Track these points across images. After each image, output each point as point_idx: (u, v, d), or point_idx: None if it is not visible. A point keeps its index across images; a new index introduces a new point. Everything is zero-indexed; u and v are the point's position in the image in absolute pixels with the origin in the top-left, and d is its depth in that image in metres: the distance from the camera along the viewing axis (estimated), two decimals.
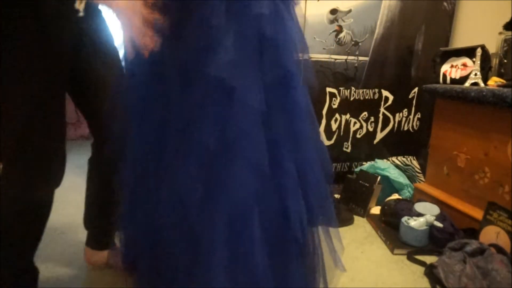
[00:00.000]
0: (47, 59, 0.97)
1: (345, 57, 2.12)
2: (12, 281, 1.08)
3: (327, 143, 2.16)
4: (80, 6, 1.02)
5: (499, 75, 1.67)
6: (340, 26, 2.07)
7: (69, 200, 1.60)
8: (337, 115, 2.17)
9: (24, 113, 0.97)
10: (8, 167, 1.00)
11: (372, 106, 2.22)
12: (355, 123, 2.21)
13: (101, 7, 0.99)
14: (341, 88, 2.15)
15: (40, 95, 0.98)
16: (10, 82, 0.95)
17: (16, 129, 0.97)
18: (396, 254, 1.58)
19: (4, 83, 0.95)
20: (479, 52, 1.68)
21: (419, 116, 2.29)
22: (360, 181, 2.04)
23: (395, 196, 2.02)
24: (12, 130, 0.97)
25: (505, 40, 1.65)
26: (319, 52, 2.05)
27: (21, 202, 1.03)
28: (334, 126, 2.18)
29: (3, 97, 0.95)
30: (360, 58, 2.14)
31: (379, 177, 2.00)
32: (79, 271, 1.38)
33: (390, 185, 2.08)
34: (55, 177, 1.08)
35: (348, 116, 2.19)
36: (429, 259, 1.51)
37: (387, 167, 2.10)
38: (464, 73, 1.74)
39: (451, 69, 1.82)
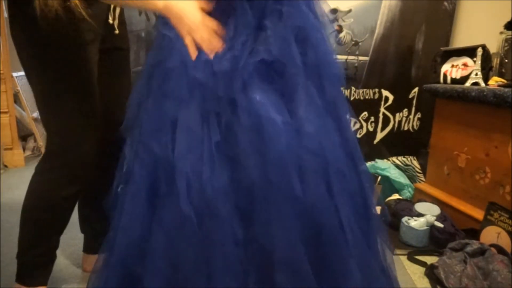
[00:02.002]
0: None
1: (345, 57, 2.12)
2: (36, 266, 1.13)
3: None
4: (115, 22, 1.09)
5: (500, 75, 1.66)
6: (340, 26, 2.07)
7: None
8: None
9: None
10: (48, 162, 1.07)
11: (372, 106, 2.21)
12: (355, 123, 2.20)
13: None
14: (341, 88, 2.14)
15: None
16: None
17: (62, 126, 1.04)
18: (396, 254, 1.57)
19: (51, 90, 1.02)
20: (479, 51, 1.68)
21: (419, 116, 2.29)
22: None
23: (395, 196, 2.01)
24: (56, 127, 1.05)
25: (506, 40, 1.65)
26: None
27: (56, 196, 1.08)
28: None
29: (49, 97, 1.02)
30: (360, 58, 2.14)
31: (379, 177, 2.00)
32: (79, 271, 1.38)
33: (390, 185, 2.08)
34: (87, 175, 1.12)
35: (348, 116, 2.18)
36: (430, 259, 1.51)
37: (387, 167, 2.10)
38: (465, 73, 1.74)
39: (451, 69, 1.81)
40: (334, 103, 0.91)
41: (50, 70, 1.00)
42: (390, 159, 2.22)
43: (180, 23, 0.78)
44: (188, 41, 0.78)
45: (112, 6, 1.09)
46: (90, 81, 1.04)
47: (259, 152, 0.75)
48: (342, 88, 1.00)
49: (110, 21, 1.09)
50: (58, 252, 1.17)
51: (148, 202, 0.81)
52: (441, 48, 1.93)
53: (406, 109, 2.27)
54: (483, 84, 1.65)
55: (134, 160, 0.85)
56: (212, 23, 0.79)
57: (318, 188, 0.78)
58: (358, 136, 2.23)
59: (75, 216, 1.28)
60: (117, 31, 1.12)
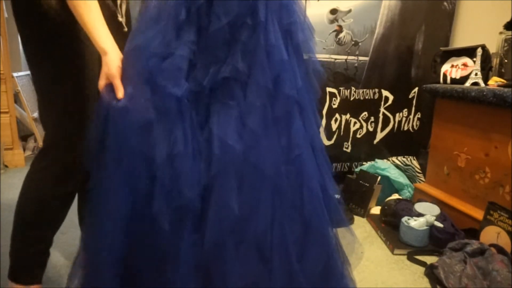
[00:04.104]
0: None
1: (345, 57, 2.12)
2: (29, 264, 1.13)
3: (327, 143, 2.16)
4: (123, 19, 1.10)
5: (500, 75, 1.66)
6: (340, 26, 2.07)
7: None
8: (337, 115, 2.17)
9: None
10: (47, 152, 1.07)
11: (372, 106, 2.21)
12: (355, 123, 2.21)
13: None
14: (341, 88, 2.14)
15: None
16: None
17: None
18: (396, 254, 1.58)
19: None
20: (479, 52, 1.68)
21: (419, 116, 2.29)
22: (360, 181, 2.04)
23: (395, 196, 2.01)
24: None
25: (506, 40, 1.65)
26: (319, 52, 2.05)
27: (46, 194, 1.08)
28: (334, 126, 2.18)
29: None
30: (360, 58, 2.14)
31: (379, 177, 2.00)
32: (79, 271, 1.38)
33: (390, 185, 2.08)
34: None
35: (348, 116, 2.19)
36: (430, 259, 1.51)
37: (387, 167, 2.10)
38: (465, 73, 1.74)
39: (451, 69, 1.81)
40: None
41: (50, 65, 1.01)
42: (390, 159, 2.22)
43: (106, 67, 0.90)
44: (102, 83, 0.90)
45: (119, 2, 1.09)
46: (90, 79, 1.04)
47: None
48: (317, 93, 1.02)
49: (120, 18, 1.09)
50: (59, 252, 1.17)
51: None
52: (441, 48, 1.93)
53: (406, 109, 2.27)
54: (482, 84, 1.65)
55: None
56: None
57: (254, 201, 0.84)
58: (358, 136, 2.23)
59: (75, 216, 1.28)
60: (125, 29, 1.12)
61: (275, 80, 0.87)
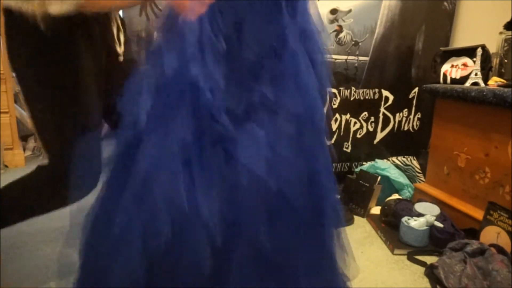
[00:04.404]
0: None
1: (345, 57, 2.12)
2: None
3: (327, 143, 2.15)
4: (120, 49, 1.09)
5: (500, 75, 1.66)
6: (340, 26, 2.07)
7: None
8: (337, 115, 2.17)
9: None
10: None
11: (372, 106, 2.21)
12: (355, 123, 2.21)
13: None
14: (341, 88, 2.14)
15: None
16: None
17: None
18: (396, 254, 1.58)
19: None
20: (479, 52, 1.68)
21: (419, 116, 2.29)
22: (360, 181, 2.04)
23: (395, 196, 2.01)
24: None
25: (506, 40, 1.65)
26: None
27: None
28: (334, 126, 2.17)
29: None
30: (360, 58, 2.14)
31: (379, 177, 2.00)
32: None
33: (390, 185, 2.08)
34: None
35: (348, 116, 2.19)
36: (430, 259, 1.51)
37: (387, 167, 2.10)
38: (465, 73, 1.74)
39: (451, 69, 1.81)
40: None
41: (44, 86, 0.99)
42: (390, 159, 2.22)
43: None
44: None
45: (115, 31, 1.08)
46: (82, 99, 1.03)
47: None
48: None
49: (117, 48, 1.09)
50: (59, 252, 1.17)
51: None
52: (441, 48, 1.93)
53: (406, 109, 2.27)
54: (482, 84, 1.65)
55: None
56: None
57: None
58: (358, 136, 2.23)
59: (78, 216, 1.28)
60: (121, 58, 1.11)
61: (306, 108, 0.86)
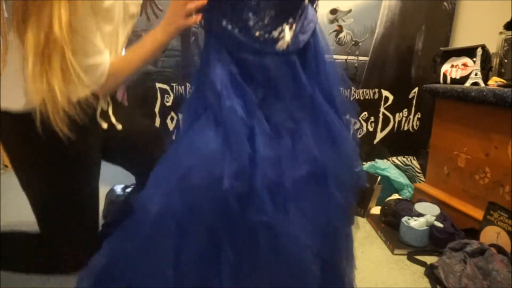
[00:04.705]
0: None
1: (345, 57, 2.12)
2: None
3: None
4: (104, 124, 1.08)
5: (500, 75, 1.66)
6: (340, 26, 2.07)
7: None
8: None
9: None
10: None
11: (372, 106, 2.21)
12: (355, 123, 2.20)
13: None
14: (341, 88, 2.14)
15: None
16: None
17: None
18: (396, 254, 1.58)
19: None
20: (479, 52, 1.68)
21: (419, 116, 2.29)
22: None
23: (395, 196, 2.01)
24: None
25: (506, 40, 1.65)
26: None
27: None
28: None
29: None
30: (360, 58, 2.14)
31: (379, 177, 2.00)
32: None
33: (390, 185, 2.08)
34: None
35: (348, 116, 2.18)
36: (430, 259, 1.51)
37: (387, 167, 2.10)
38: (465, 73, 1.74)
39: (451, 69, 1.81)
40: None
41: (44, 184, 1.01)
42: (390, 159, 2.22)
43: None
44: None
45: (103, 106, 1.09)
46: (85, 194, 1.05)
47: None
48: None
49: (99, 120, 1.08)
50: None
51: None
52: (441, 48, 1.93)
53: (406, 109, 2.27)
54: (482, 84, 1.65)
55: None
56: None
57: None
58: (358, 136, 2.23)
59: None
60: (105, 126, 1.10)
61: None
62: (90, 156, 1.05)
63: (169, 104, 2.06)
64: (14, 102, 0.90)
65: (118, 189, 1.82)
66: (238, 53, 0.89)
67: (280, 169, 0.84)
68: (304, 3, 0.93)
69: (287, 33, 0.90)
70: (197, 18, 0.90)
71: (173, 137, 2.06)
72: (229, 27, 0.87)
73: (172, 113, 2.07)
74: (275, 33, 0.89)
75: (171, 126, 2.08)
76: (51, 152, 0.96)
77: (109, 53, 0.95)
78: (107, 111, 1.09)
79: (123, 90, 2.04)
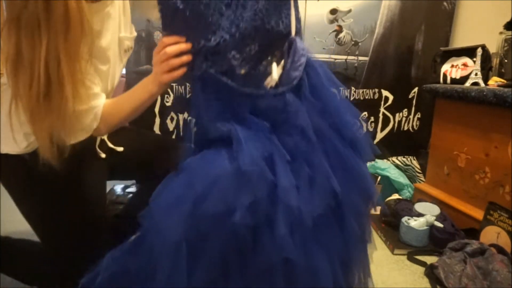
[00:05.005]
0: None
1: (345, 57, 2.12)
2: None
3: None
4: (102, 154, 1.09)
5: (500, 75, 1.66)
6: (340, 26, 2.07)
7: None
8: None
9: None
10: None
11: (372, 106, 2.21)
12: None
13: None
14: (341, 88, 2.14)
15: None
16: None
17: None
18: (396, 254, 1.58)
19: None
20: (479, 52, 1.68)
21: (419, 116, 2.29)
22: None
23: (395, 196, 2.01)
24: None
25: (506, 40, 1.65)
26: (319, 52, 2.05)
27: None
28: None
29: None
30: (360, 58, 2.14)
31: (379, 177, 2.00)
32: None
33: (390, 185, 2.08)
34: None
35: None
36: (430, 259, 1.51)
37: (387, 167, 2.10)
38: (465, 73, 1.74)
39: (451, 69, 1.81)
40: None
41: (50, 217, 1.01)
42: (390, 159, 2.22)
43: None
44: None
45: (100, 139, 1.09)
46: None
47: None
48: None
49: (98, 150, 1.08)
50: None
51: None
52: (441, 48, 1.93)
53: (406, 109, 2.27)
54: (482, 84, 1.65)
55: None
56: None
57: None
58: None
59: None
60: (103, 156, 1.10)
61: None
62: (94, 187, 1.05)
63: (169, 104, 2.06)
64: (14, 146, 0.92)
65: (118, 189, 1.82)
66: (231, 101, 0.83)
67: (299, 200, 0.79)
68: (291, 37, 0.87)
69: (275, 70, 0.84)
70: (183, 69, 0.84)
71: (173, 137, 2.06)
72: (212, 70, 0.81)
73: (172, 113, 2.07)
74: (261, 68, 0.84)
75: (171, 126, 2.08)
76: (53, 188, 0.97)
77: (104, 87, 0.95)
78: (104, 140, 1.11)
79: (123, 90, 2.04)
